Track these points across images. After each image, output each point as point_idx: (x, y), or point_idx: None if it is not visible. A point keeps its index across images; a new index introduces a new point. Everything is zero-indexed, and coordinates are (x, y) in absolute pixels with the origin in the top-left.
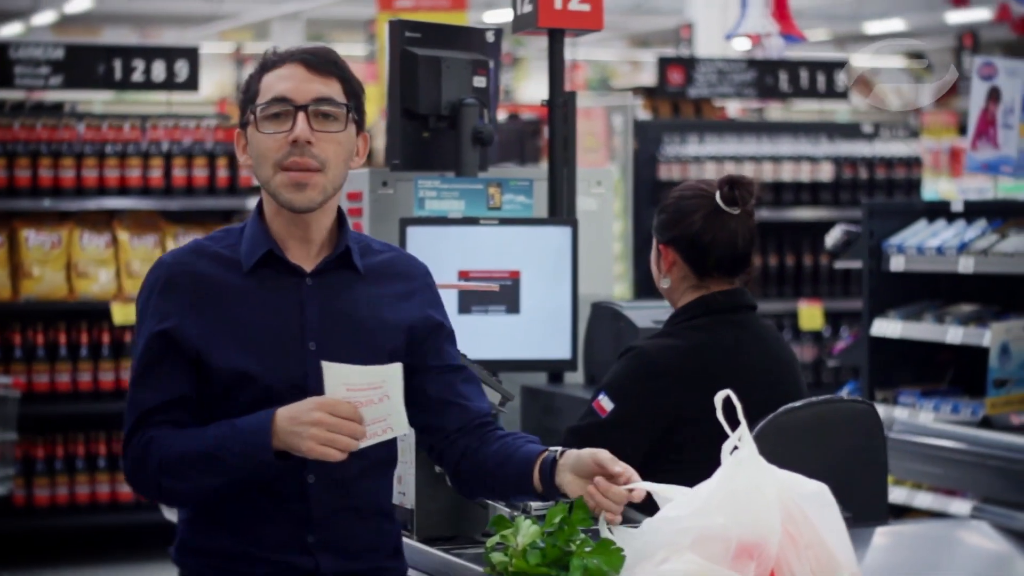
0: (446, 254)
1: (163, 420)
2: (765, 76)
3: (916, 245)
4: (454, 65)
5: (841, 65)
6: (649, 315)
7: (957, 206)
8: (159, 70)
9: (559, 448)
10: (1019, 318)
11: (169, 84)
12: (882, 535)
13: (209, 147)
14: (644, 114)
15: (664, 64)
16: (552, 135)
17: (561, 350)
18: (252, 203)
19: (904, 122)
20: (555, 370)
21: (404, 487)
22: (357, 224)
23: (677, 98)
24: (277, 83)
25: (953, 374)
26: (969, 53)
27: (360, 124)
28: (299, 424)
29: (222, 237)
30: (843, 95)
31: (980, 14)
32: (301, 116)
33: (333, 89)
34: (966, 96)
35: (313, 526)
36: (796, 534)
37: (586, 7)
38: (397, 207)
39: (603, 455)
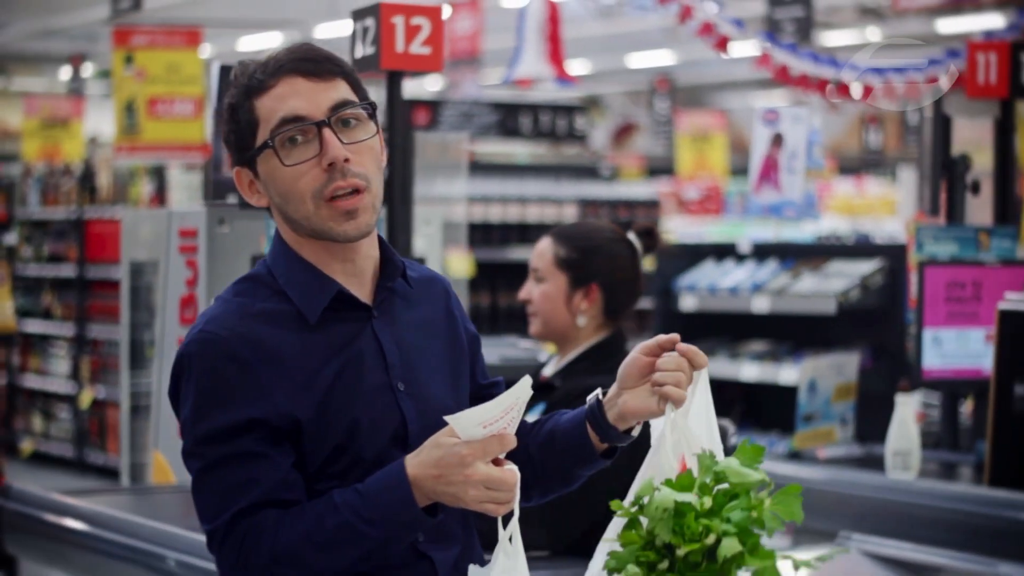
0: None
1: (262, 508)
2: (507, 119)
3: (708, 286)
4: None
5: (580, 108)
6: (496, 352)
7: (744, 248)
8: None
9: (598, 389)
10: (817, 355)
11: None
12: None
13: None
14: None
15: (410, 105)
16: (392, 174)
17: None
18: None
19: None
20: None
21: None
22: (191, 261)
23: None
24: (279, 104)
25: (743, 410)
26: (664, 97)
27: (377, 121)
28: (449, 484)
29: (251, 290)
30: (581, 137)
31: (665, 58)
32: (327, 133)
33: (343, 91)
34: (653, 139)
35: None
36: None
37: (427, 50)
38: (236, 245)
39: (661, 337)
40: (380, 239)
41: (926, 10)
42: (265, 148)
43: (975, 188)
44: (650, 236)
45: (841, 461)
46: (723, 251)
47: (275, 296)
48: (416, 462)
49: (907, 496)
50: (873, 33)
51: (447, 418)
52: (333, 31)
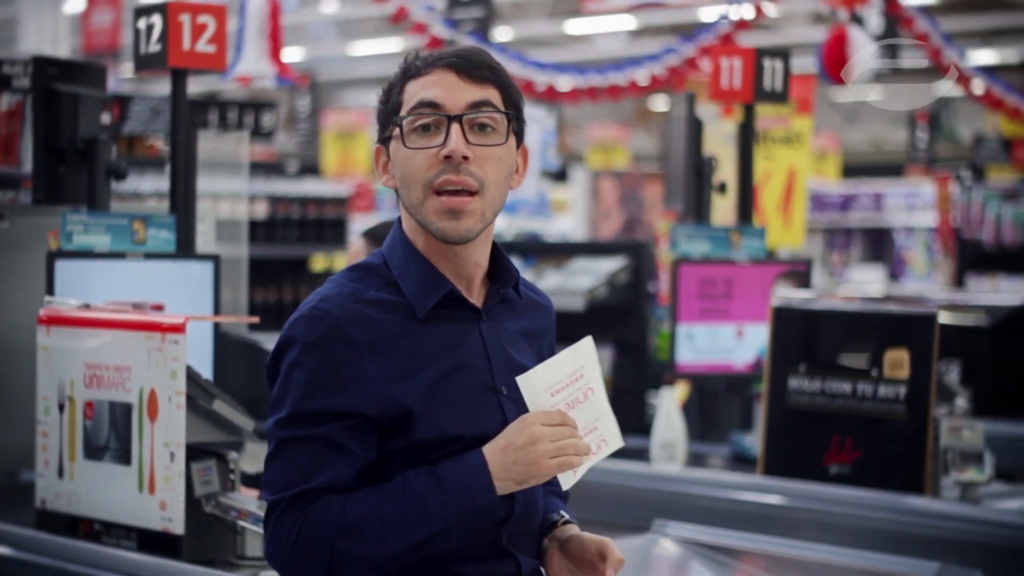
0: (94, 287)
1: (329, 493)
2: (196, 115)
3: None
4: (88, 102)
5: (268, 106)
6: None
7: None
8: None
9: (564, 515)
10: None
11: None
12: None
13: None
14: None
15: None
16: (174, 171)
17: None
18: None
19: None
20: None
21: (171, 513)
22: None
23: (112, 134)
24: (423, 90)
25: None
26: (304, 93)
27: (520, 136)
28: (517, 451)
29: (365, 278)
30: (268, 135)
31: (295, 54)
32: (455, 128)
33: (491, 95)
34: (290, 136)
35: None
36: None
37: (211, 48)
38: (19, 241)
39: (611, 546)
40: (496, 249)
41: (616, 11)
42: (396, 126)
43: (722, 189)
44: None
45: None
46: None
47: (388, 286)
48: (488, 446)
49: (700, 487)
50: (503, 33)
51: (518, 378)
52: None
